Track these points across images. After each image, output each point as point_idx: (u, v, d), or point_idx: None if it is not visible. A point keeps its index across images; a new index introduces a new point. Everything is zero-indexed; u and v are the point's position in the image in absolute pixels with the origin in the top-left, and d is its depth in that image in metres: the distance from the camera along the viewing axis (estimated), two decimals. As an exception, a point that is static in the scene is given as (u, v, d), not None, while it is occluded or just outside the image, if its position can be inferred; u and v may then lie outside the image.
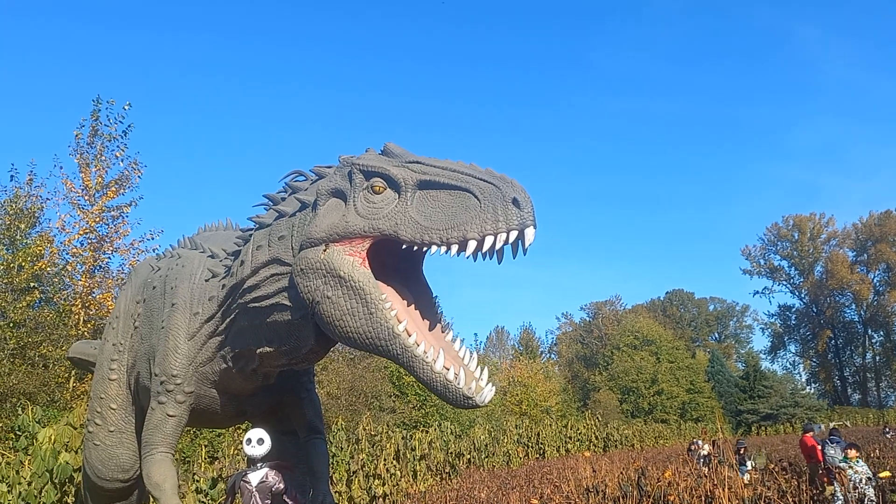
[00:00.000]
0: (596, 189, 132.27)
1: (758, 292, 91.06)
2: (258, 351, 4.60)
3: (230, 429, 17.24)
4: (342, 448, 17.24)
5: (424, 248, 3.50)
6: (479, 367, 3.56)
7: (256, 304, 4.38)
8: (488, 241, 3.30)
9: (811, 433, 16.71)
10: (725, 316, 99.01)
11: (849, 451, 11.19)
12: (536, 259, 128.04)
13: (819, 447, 15.44)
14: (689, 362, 73.71)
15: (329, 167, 4.28)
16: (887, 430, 36.23)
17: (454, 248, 3.39)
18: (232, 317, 4.70)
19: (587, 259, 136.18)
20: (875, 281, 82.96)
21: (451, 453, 24.38)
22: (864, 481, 10.86)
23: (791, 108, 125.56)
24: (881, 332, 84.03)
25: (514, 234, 3.30)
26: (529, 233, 3.32)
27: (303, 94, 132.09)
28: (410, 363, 3.52)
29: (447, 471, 22.73)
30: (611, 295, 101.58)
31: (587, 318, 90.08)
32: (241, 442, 5.21)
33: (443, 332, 3.78)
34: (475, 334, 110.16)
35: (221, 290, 4.80)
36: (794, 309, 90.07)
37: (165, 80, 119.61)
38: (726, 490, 7.99)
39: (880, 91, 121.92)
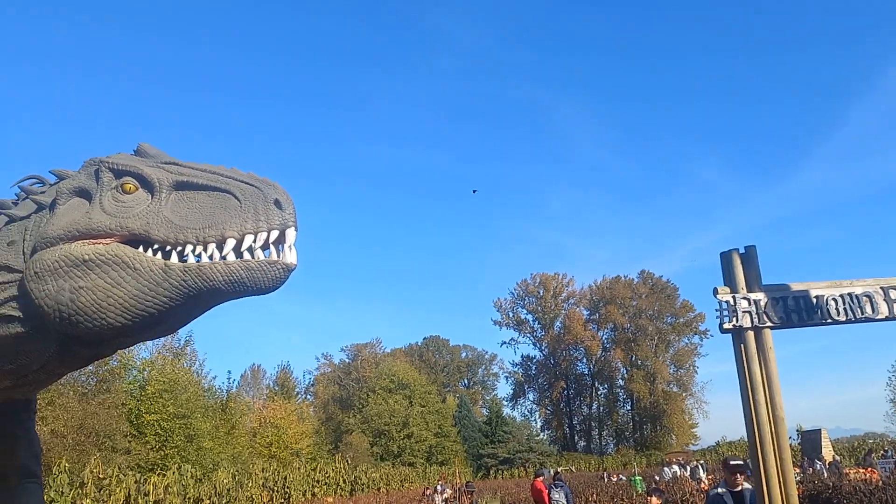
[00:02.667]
0: (362, 233, 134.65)
1: (505, 342, 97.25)
2: None
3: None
4: (63, 493, 15.58)
5: (178, 248, 3.33)
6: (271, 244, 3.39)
7: None
8: (248, 239, 3.25)
9: (541, 477, 18.01)
10: (475, 363, 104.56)
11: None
12: (298, 297, 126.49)
13: (546, 491, 16.77)
14: (440, 406, 76.54)
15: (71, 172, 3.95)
16: (607, 474, 40.30)
17: (211, 246, 3.27)
18: None
19: (350, 301, 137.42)
20: (603, 338, 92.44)
21: (190, 498, 23.01)
22: None
23: (546, 175, 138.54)
24: (606, 385, 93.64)
25: (275, 234, 3.28)
26: (290, 233, 3.32)
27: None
28: (201, 275, 3.27)
29: (183, 517, 21.37)
30: (372, 338, 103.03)
31: (347, 360, 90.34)
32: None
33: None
34: (229, 372, 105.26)
35: None
36: (535, 360, 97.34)
37: None
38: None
39: (619, 168, 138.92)
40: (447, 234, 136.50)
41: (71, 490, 16.08)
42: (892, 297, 7.56)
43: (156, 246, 3.38)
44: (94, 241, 3.45)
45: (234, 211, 3.29)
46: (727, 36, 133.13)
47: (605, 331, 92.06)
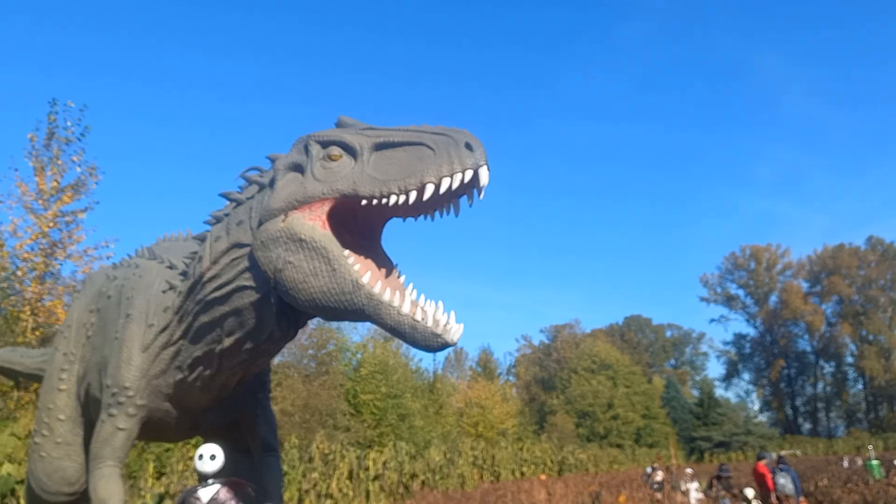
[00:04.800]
0: (558, 213, 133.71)
1: (714, 320, 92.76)
2: (218, 349, 4.54)
3: (179, 444, 16.88)
4: (294, 466, 17.02)
5: (384, 201, 3.58)
6: (445, 313, 3.61)
7: (217, 293, 4.35)
8: (445, 182, 3.43)
9: (764, 461, 16.92)
10: (682, 342, 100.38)
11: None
12: (497, 280, 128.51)
13: (770, 475, 15.67)
14: (646, 388, 74.42)
15: None
16: (845, 458, 36.90)
17: (412, 194, 3.48)
18: (190, 319, 4.62)
19: (548, 282, 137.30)
20: (828, 312, 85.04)
21: (406, 474, 24.20)
22: None
23: (752, 138, 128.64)
24: (832, 363, 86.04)
25: (469, 174, 3.43)
26: (483, 172, 3.47)
27: (267, 97, 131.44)
28: (377, 310, 3.55)
29: (401, 492, 22.54)
30: (570, 318, 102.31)
31: (546, 341, 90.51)
32: (192, 458, 5.11)
33: (405, 288, 3.82)
34: (434, 354, 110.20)
35: (178, 296, 4.74)
36: (748, 337, 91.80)
37: (123, 83, 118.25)
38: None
39: (838, 124, 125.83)
40: (644, 209, 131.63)
41: (301, 464, 17.53)
42: None
43: (364, 202, 3.66)
44: (312, 214, 3.79)
45: (430, 159, 3.48)
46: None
47: (830, 304, 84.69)
